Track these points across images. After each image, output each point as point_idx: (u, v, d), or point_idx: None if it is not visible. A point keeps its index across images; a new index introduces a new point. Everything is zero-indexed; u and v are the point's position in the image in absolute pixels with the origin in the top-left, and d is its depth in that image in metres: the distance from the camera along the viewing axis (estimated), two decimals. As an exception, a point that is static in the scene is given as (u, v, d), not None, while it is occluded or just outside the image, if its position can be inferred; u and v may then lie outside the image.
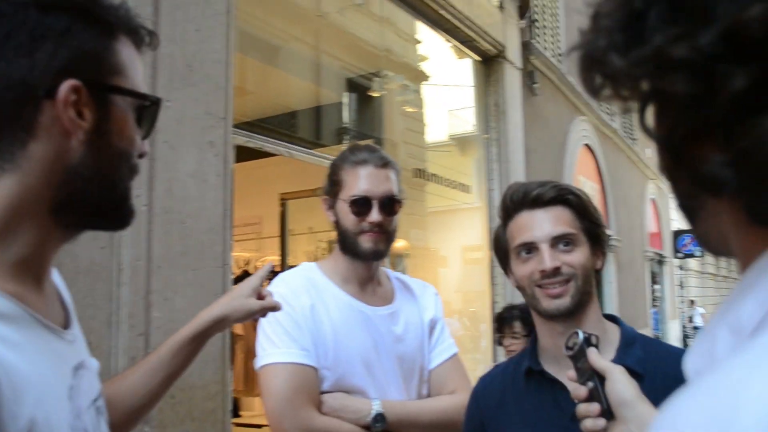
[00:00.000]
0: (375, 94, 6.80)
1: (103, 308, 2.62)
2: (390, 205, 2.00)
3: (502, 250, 1.66)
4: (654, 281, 15.48)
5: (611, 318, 1.62)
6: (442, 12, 5.88)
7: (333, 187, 2.04)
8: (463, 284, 7.82)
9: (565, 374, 1.26)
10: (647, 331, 13.90)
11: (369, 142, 6.83)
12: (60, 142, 0.94)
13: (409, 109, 7.30)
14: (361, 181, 1.98)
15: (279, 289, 1.92)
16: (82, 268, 2.55)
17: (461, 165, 7.85)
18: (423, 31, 6.71)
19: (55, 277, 1.13)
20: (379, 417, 1.86)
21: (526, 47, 7.60)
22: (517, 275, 1.60)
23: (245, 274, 7.40)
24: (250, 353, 7.14)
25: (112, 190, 1.01)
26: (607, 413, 1.16)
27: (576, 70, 0.58)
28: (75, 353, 1.03)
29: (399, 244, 6.40)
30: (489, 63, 7.02)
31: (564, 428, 1.43)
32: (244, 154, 4.12)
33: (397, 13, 6.20)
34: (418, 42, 7.25)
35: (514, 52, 7.24)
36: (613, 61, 0.53)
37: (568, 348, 1.27)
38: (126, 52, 1.00)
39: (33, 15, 0.90)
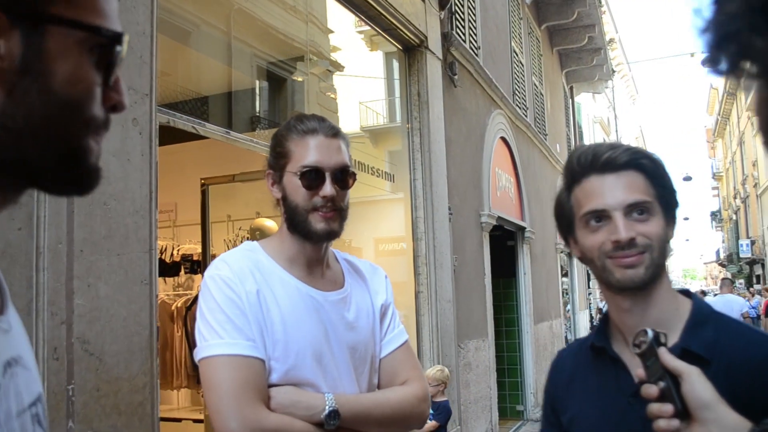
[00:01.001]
0: (298, 79, 6.66)
1: (21, 295, 2.41)
2: (343, 177, 1.84)
3: (565, 217, 1.51)
4: (564, 274, 15.87)
5: (685, 293, 1.50)
6: (368, -1, 5.79)
7: (279, 159, 1.85)
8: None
9: (636, 373, 1.24)
10: (559, 322, 14.27)
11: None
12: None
13: (333, 96, 7.18)
14: (311, 151, 1.81)
15: (221, 272, 1.76)
16: (-2, 250, 2.34)
17: (374, 156, 7.79)
18: (336, 20, 6.60)
19: None
20: (334, 413, 1.70)
21: (447, 38, 7.60)
22: (585, 245, 1.46)
23: (161, 263, 7.15)
24: (167, 345, 6.91)
25: (58, 149, 0.78)
26: (682, 414, 1.13)
27: (705, 49, 0.59)
28: (9, 345, 0.85)
29: None
30: (411, 53, 6.98)
31: (623, 409, 1.37)
32: (160, 137, 3.91)
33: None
34: (331, 32, 7.13)
35: (435, 42, 7.22)
36: (755, 42, 0.55)
37: (635, 346, 1.21)
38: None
39: None
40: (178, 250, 7.40)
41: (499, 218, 9.37)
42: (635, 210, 1.41)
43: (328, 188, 1.79)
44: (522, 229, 11.09)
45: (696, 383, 1.14)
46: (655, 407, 1.14)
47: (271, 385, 1.71)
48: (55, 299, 2.52)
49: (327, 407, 1.69)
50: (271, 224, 6.47)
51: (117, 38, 0.81)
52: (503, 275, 10.73)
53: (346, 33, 6.73)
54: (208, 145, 4.51)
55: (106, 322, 2.72)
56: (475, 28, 9.05)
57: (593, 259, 1.45)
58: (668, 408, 1.12)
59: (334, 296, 1.88)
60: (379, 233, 7.65)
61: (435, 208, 6.85)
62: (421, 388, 1.93)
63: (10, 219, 2.39)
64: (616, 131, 37.36)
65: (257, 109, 6.81)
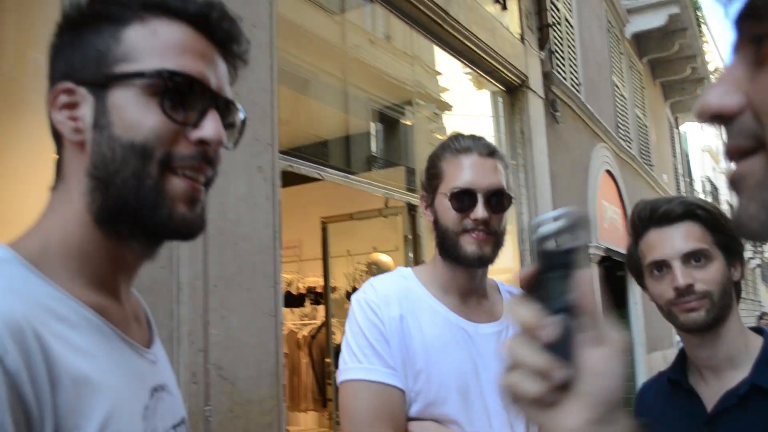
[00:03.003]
0: (408, 123, 6.82)
1: (164, 326, 2.59)
2: (498, 200, 1.61)
3: (635, 268, 1.59)
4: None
5: (758, 330, 1.51)
6: (468, 43, 5.88)
7: (431, 180, 1.69)
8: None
9: (521, 273, 0.69)
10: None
11: (399, 168, 6.92)
12: (72, 147, 0.87)
13: (440, 137, 7.28)
14: (465, 171, 1.61)
15: (368, 296, 1.62)
16: (144, 286, 2.51)
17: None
18: (445, 62, 6.72)
19: (139, 297, 1.07)
20: None
21: (547, 77, 7.58)
22: (652, 293, 1.53)
23: (288, 295, 7.42)
24: (294, 370, 7.12)
25: (136, 191, 0.83)
26: (564, 385, 0.64)
27: (730, 20, 0.55)
28: (156, 374, 0.93)
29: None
30: (513, 92, 7.01)
31: None
32: (282, 180, 4.12)
33: (422, 45, 6.23)
34: (439, 74, 7.26)
35: (536, 81, 7.22)
36: None
37: (536, 229, 0.68)
38: (147, 37, 0.86)
39: (59, 36, 0.90)
40: (304, 283, 7.66)
41: (607, 249, 9.13)
42: (692, 258, 1.46)
43: (479, 211, 1.58)
44: (631, 258, 10.74)
45: (616, 365, 0.66)
46: (539, 360, 0.64)
47: (411, 419, 1.55)
48: (193, 329, 2.69)
49: None
50: (386, 259, 6.60)
51: (167, 73, 0.85)
52: (614, 305, 10.41)
53: (453, 74, 6.84)
54: (328, 186, 4.69)
55: (238, 350, 2.87)
56: (575, 65, 8.96)
57: (661, 305, 1.51)
58: (561, 375, 0.64)
59: (487, 328, 1.65)
60: (491, 266, 7.63)
61: (522, 268, 6.76)
62: None
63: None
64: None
65: (373, 149, 6.99)
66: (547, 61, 7.60)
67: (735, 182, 0.59)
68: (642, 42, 13.53)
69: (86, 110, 0.84)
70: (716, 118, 0.59)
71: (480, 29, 5.96)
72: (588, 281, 0.66)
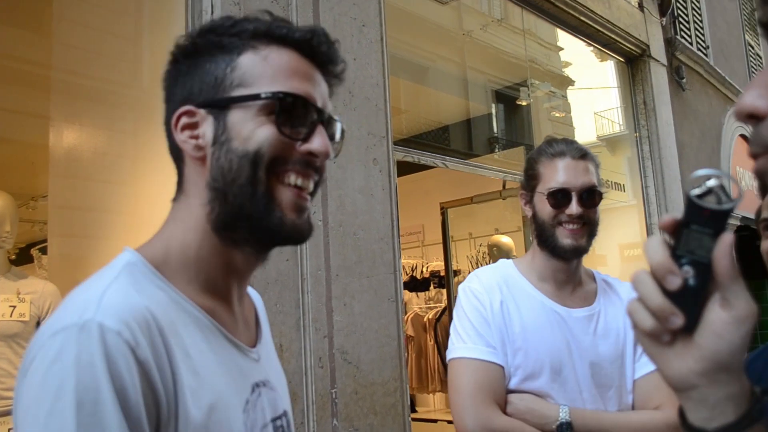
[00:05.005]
0: (522, 103, 6.75)
1: (291, 314, 2.77)
2: (590, 197, 1.83)
3: (757, 225, 1.58)
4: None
5: None
6: (583, 18, 5.75)
7: (530, 180, 1.90)
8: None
9: (662, 220, 0.70)
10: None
11: (519, 149, 6.87)
12: (193, 163, 0.96)
13: (557, 114, 7.18)
14: (560, 173, 1.83)
15: (472, 284, 1.86)
16: (272, 278, 2.72)
17: (613, 164, 7.61)
18: (564, 37, 6.58)
19: (257, 299, 1.16)
20: (566, 426, 1.66)
21: (671, 43, 7.25)
22: (762, 249, 1.53)
23: (412, 280, 7.56)
24: (421, 353, 7.27)
25: (250, 197, 0.92)
26: (690, 329, 0.68)
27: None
28: (258, 371, 1.00)
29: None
30: (633, 63, 6.77)
31: None
32: (403, 168, 4.22)
33: (537, 23, 6.15)
34: (560, 49, 7.12)
35: (658, 49, 6.93)
36: None
37: (696, 197, 0.68)
38: (259, 62, 0.96)
39: (175, 65, 1.00)
40: (427, 267, 7.77)
41: (743, 218, 8.65)
42: None
43: (574, 207, 1.80)
44: (773, 227, 10.09)
45: (739, 331, 0.67)
46: (662, 305, 0.68)
47: (510, 391, 1.74)
48: (318, 317, 2.86)
49: (560, 419, 1.67)
50: (507, 240, 6.59)
51: (281, 98, 0.94)
52: (754, 277, 9.83)
53: (575, 47, 6.70)
54: (448, 171, 4.75)
55: (360, 335, 3.01)
56: (701, 28, 8.50)
57: (767, 260, 1.49)
58: (677, 322, 0.67)
59: (579, 312, 1.84)
60: (618, 240, 7.44)
61: (670, 213, 6.53)
62: (673, 416, 1.75)
63: (280, 252, 2.77)
64: None
65: (494, 130, 6.97)
66: (670, 27, 7.26)
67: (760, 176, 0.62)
68: (778, -5, 12.58)
69: (206, 129, 0.94)
70: (750, 117, 0.63)
71: (594, 2, 5.80)
72: (730, 245, 0.66)
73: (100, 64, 3.62)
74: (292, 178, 0.94)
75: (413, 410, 6.83)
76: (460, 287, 1.90)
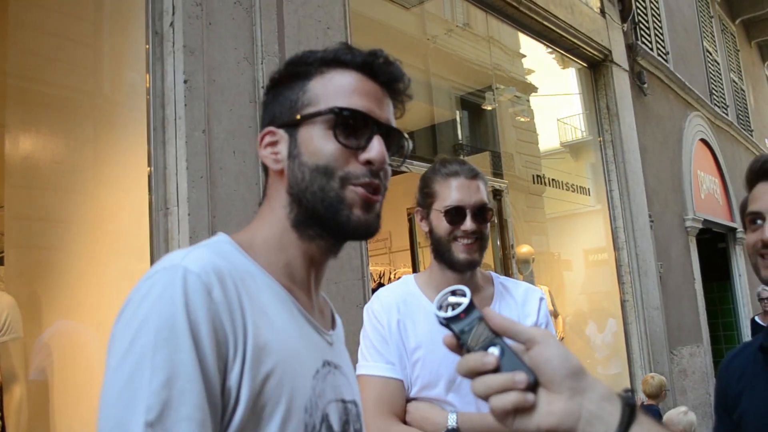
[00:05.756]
0: (488, 108, 6.77)
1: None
2: (482, 213, 1.94)
3: (742, 220, 1.60)
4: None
5: None
6: (546, 23, 5.79)
7: (426, 198, 1.99)
8: (587, 286, 7.59)
9: (444, 340, 0.89)
10: None
11: (485, 154, 6.89)
12: (274, 174, 1.11)
13: (523, 119, 7.22)
14: (454, 191, 1.93)
15: (373, 305, 1.97)
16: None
17: (576, 170, 7.68)
18: (527, 44, 6.64)
19: (337, 317, 1.28)
20: (453, 431, 1.79)
21: (632, 49, 7.35)
22: (746, 244, 1.54)
23: (380, 286, 7.50)
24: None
25: (321, 202, 1.04)
26: (533, 385, 0.82)
27: None
28: (331, 353, 1.10)
29: (524, 249, 6.32)
30: (596, 68, 6.84)
31: None
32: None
33: (501, 29, 6.18)
34: (524, 56, 7.17)
35: (620, 54, 7.01)
36: None
37: (441, 308, 0.90)
38: (326, 84, 1.08)
39: (268, 94, 1.15)
40: (395, 274, 7.73)
41: (706, 221, 8.80)
42: None
43: (468, 224, 1.90)
44: (733, 230, 10.30)
45: (558, 347, 0.84)
46: (501, 378, 0.81)
47: (410, 400, 1.88)
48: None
49: (449, 425, 1.80)
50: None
51: (341, 113, 1.06)
52: (716, 278, 10.02)
53: (537, 54, 6.75)
54: (414, 177, 4.74)
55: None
56: (661, 34, 8.64)
57: (750, 254, 1.50)
58: (521, 377, 0.80)
59: None
60: (583, 245, 7.50)
61: (634, 216, 6.61)
62: None
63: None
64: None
65: (459, 137, 6.99)
66: (631, 33, 7.37)
67: None
68: (733, 3, 12.89)
69: (283, 146, 1.09)
70: None
71: (557, 8, 5.85)
72: (490, 311, 0.87)
73: (57, 70, 3.52)
74: (359, 183, 1.05)
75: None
76: (365, 308, 2.00)
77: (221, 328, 0.89)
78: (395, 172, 3.72)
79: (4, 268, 4.14)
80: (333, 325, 1.20)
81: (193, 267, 0.90)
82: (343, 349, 1.20)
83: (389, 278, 7.66)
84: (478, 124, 7.35)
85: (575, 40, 6.22)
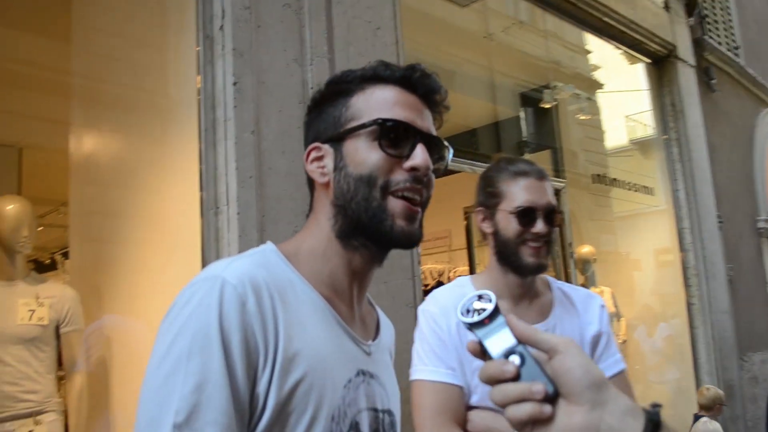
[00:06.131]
0: (546, 106, 6.66)
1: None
2: (552, 216, 1.88)
3: None
4: None
5: None
6: (607, 19, 5.66)
7: (491, 198, 1.91)
8: (657, 287, 7.39)
9: (467, 346, 0.89)
10: None
11: (546, 152, 6.78)
12: (320, 187, 1.16)
13: (583, 117, 7.07)
14: (524, 192, 1.86)
15: (429, 307, 1.90)
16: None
17: (644, 168, 7.49)
18: (594, 40, 6.50)
19: (388, 324, 1.36)
20: None
21: (699, 44, 7.11)
22: None
23: (438, 285, 7.49)
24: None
25: (365, 211, 1.08)
26: (552, 396, 0.80)
27: None
28: (367, 363, 1.13)
29: (585, 249, 6.19)
30: (660, 64, 6.65)
31: None
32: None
33: (562, 25, 6.06)
34: (589, 52, 7.03)
35: (685, 50, 6.79)
36: None
37: (465, 313, 0.88)
38: (367, 99, 1.13)
39: (310, 114, 1.21)
40: (454, 272, 7.70)
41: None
42: None
43: (540, 226, 1.84)
44: (809, 231, 9.85)
45: (580, 358, 0.82)
46: (518, 388, 0.80)
47: (470, 407, 1.80)
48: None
49: None
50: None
51: (383, 124, 1.10)
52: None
53: (606, 51, 6.61)
54: (473, 176, 4.70)
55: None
56: (731, 28, 8.34)
57: None
58: (539, 387, 0.79)
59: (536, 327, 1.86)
60: (653, 245, 7.31)
61: (702, 217, 6.40)
62: None
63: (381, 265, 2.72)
64: None
65: (523, 134, 6.91)
66: (698, 27, 7.12)
67: None
68: (812, -6, 12.33)
69: (329, 159, 1.13)
70: None
71: (618, 3, 5.71)
72: (512, 318, 0.86)
73: (117, 69, 3.63)
74: (402, 192, 1.09)
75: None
76: (419, 309, 1.94)
77: (252, 337, 0.95)
78: (452, 172, 3.69)
79: (69, 261, 4.31)
80: (376, 336, 1.23)
81: (231, 278, 0.96)
82: (384, 359, 1.24)
83: (448, 277, 7.64)
84: (542, 121, 7.24)
85: (637, 36, 6.06)
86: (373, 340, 1.20)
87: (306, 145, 1.19)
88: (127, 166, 3.57)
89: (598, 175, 6.53)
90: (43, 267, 7.95)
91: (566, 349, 0.82)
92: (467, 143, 6.92)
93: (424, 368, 1.81)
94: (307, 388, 0.98)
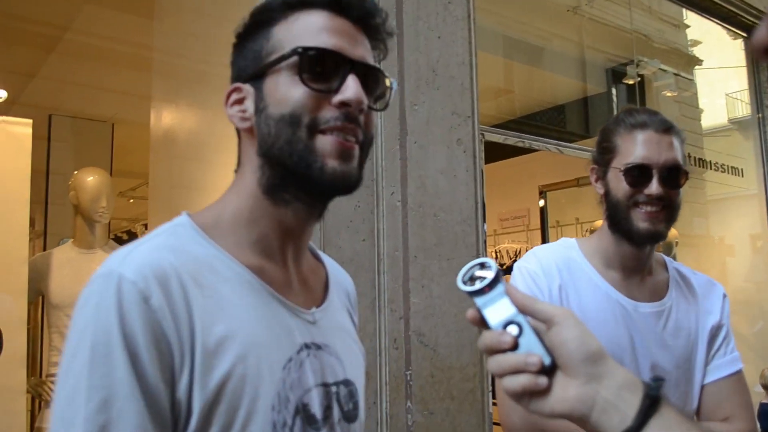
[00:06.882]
0: (630, 82, 6.43)
1: (367, 295, 2.76)
2: (673, 176, 1.61)
3: None
4: None
5: None
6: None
7: (604, 154, 1.69)
8: (752, 274, 7.06)
9: (467, 314, 0.87)
10: None
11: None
12: (244, 135, 1.03)
13: (670, 94, 6.79)
14: (639, 146, 1.62)
15: (529, 265, 1.67)
16: (347, 258, 2.72)
17: (741, 149, 7.14)
18: (690, 15, 6.22)
19: (340, 273, 1.23)
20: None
21: (802, 15, 6.67)
22: None
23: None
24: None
25: (290, 155, 0.95)
26: (549, 368, 0.79)
27: None
28: (312, 334, 1.01)
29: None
30: (758, 37, 6.28)
31: None
32: (506, 151, 4.12)
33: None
34: (687, 26, 6.73)
35: (787, 22, 6.39)
36: None
37: (467, 282, 0.86)
38: (289, 28, 0.98)
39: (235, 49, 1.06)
40: (530, 252, 7.61)
41: None
42: None
43: (654, 187, 1.59)
44: None
45: (576, 329, 0.81)
46: (513, 358, 0.80)
47: None
48: (394, 298, 2.84)
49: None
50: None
51: (299, 50, 0.95)
52: None
53: (703, 25, 6.33)
54: (550, 154, 4.60)
55: (439, 319, 2.97)
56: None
57: None
58: (534, 359, 0.78)
59: (647, 308, 1.65)
60: (748, 230, 6.99)
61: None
62: (744, 431, 1.59)
63: (356, 232, 2.76)
64: None
65: (614, 111, 6.72)
66: (802, -3, 6.69)
67: None
68: None
69: (250, 101, 1.00)
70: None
71: (710, -27, 5.43)
72: (511, 286, 0.84)
73: (196, 45, 3.74)
74: (332, 132, 0.95)
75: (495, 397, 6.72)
76: (516, 266, 1.70)
77: (163, 337, 0.83)
78: (531, 150, 3.61)
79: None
80: (324, 298, 1.11)
81: (129, 273, 0.84)
82: (338, 322, 1.12)
83: (525, 257, 7.56)
84: (633, 99, 7.02)
85: (732, 8, 5.75)
86: (320, 305, 1.08)
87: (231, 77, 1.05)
88: (202, 140, 3.69)
89: (691, 156, 6.28)
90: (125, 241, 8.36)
91: (563, 321, 0.81)
92: (554, 121, 6.79)
93: None
94: (237, 381, 0.87)
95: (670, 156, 1.62)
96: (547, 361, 0.79)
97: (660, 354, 1.61)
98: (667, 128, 1.65)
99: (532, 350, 0.80)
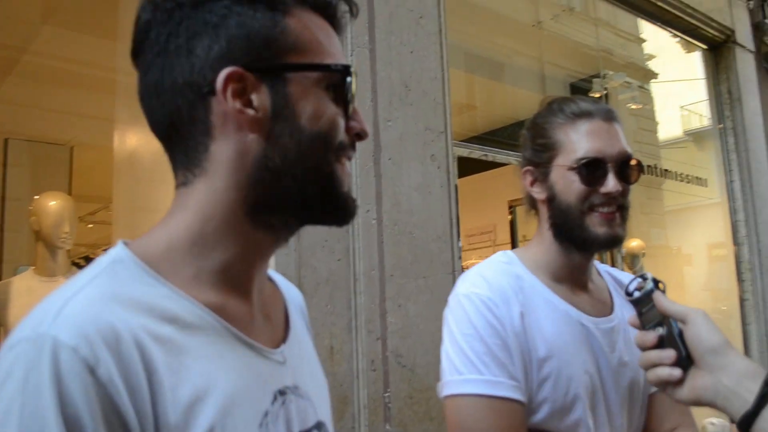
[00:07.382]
0: (596, 95, 6.53)
1: (343, 315, 2.70)
2: (627, 170, 1.40)
3: None
4: None
5: None
6: (660, 3, 5.49)
7: (542, 152, 1.45)
8: (709, 282, 7.18)
9: (628, 320, 1.13)
10: None
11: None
12: (237, 137, 0.80)
13: (634, 107, 6.90)
14: (588, 138, 1.39)
15: (480, 290, 1.37)
16: (322, 279, 2.66)
17: (699, 160, 7.29)
18: (646, 28, 6.34)
19: (289, 290, 1.06)
20: None
21: (759, 28, 6.84)
22: None
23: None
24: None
25: (315, 179, 0.82)
26: (686, 362, 0.99)
27: None
28: (283, 376, 0.87)
29: (634, 243, 6.04)
30: (717, 50, 6.42)
31: None
32: (474, 166, 4.10)
33: (616, 13, 5.91)
34: (643, 41, 6.85)
35: (744, 35, 6.55)
36: None
37: (628, 294, 1.12)
38: (305, 27, 0.83)
39: (187, 12, 0.80)
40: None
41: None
42: None
43: (611, 183, 1.37)
44: None
45: (702, 326, 1.00)
46: (652, 355, 1.03)
47: (532, 429, 1.33)
48: (371, 318, 2.78)
49: None
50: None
51: (346, 71, 0.84)
52: None
53: (661, 40, 6.44)
54: (515, 170, 4.61)
55: (416, 338, 2.92)
56: (794, 12, 8.00)
57: None
58: (669, 354, 1.00)
59: (605, 323, 1.44)
60: (703, 239, 7.11)
61: (757, 209, 6.17)
62: None
63: (331, 252, 2.71)
64: None
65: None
66: (758, 11, 6.86)
67: None
68: None
69: (263, 98, 0.83)
70: None
71: (673, -14, 5.54)
72: (660, 295, 1.08)
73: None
74: (347, 155, 0.87)
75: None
76: (462, 292, 1.41)
77: (115, 416, 0.65)
78: (498, 164, 3.59)
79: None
80: (286, 332, 0.95)
81: (67, 335, 0.65)
82: (301, 350, 0.97)
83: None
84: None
85: (693, 21, 5.86)
86: (284, 338, 0.93)
87: (187, 61, 0.80)
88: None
89: (650, 167, 6.37)
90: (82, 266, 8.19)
91: (692, 319, 1.01)
92: (515, 136, 6.82)
93: (479, 378, 1.28)
94: None
95: (622, 147, 1.41)
96: (682, 355, 0.99)
97: (624, 373, 1.43)
98: (612, 117, 1.44)
99: (672, 347, 1.00)
